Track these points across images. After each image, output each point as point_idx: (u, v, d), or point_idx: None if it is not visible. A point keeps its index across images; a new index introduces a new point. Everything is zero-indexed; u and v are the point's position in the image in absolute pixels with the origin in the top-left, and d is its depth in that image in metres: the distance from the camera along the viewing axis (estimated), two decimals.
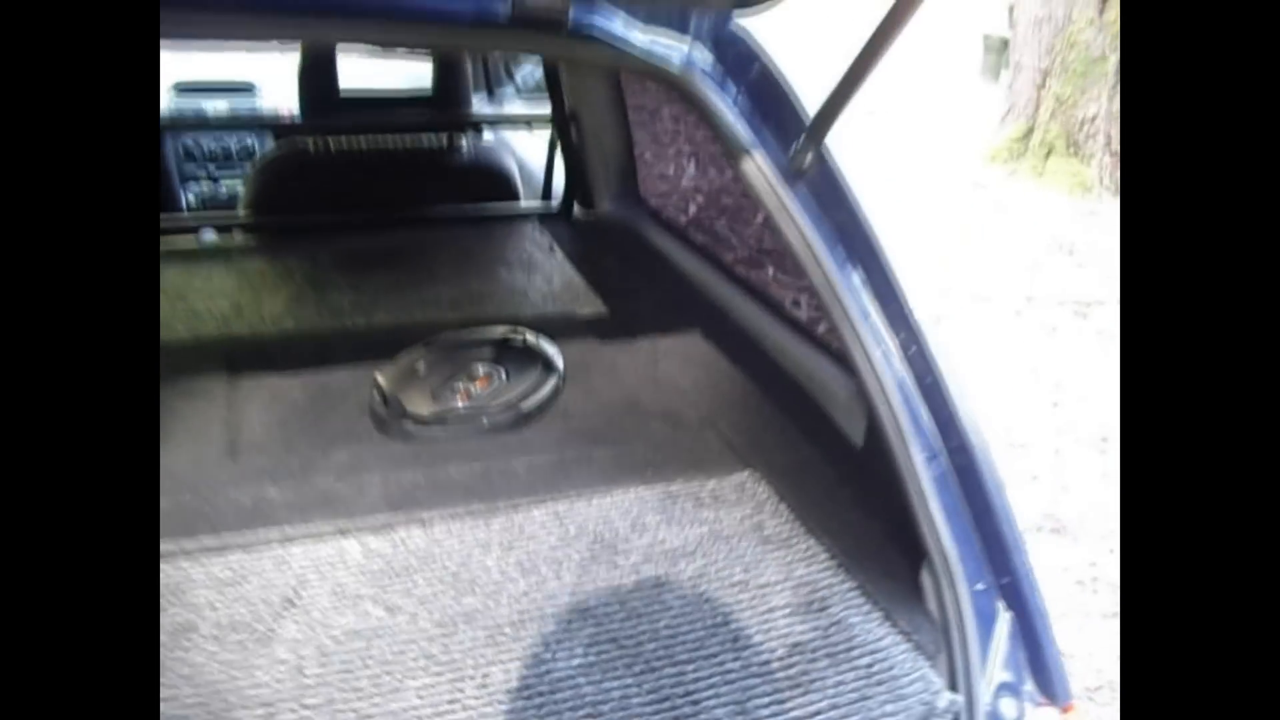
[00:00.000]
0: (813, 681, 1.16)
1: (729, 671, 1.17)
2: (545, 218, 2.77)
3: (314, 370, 1.86)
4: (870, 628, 1.25)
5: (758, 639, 1.23)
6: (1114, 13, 7.05)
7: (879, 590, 1.31)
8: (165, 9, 1.13)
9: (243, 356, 1.90)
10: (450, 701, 1.11)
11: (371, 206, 2.60)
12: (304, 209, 2.56)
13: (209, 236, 2.61)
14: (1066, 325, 4.96)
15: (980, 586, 1.21)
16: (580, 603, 1.28)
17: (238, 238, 2.56)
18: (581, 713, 1.10)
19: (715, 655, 1.19)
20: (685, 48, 1.37)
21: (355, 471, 1.56)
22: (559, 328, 2.05)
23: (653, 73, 1.35)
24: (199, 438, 1.64)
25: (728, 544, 1.41)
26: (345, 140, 2.64)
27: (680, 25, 1.38)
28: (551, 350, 1.93)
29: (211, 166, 3.86)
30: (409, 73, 3.23)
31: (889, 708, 1.13)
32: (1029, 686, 1.18)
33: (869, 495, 1.44)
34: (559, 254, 2.54)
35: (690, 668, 1.17)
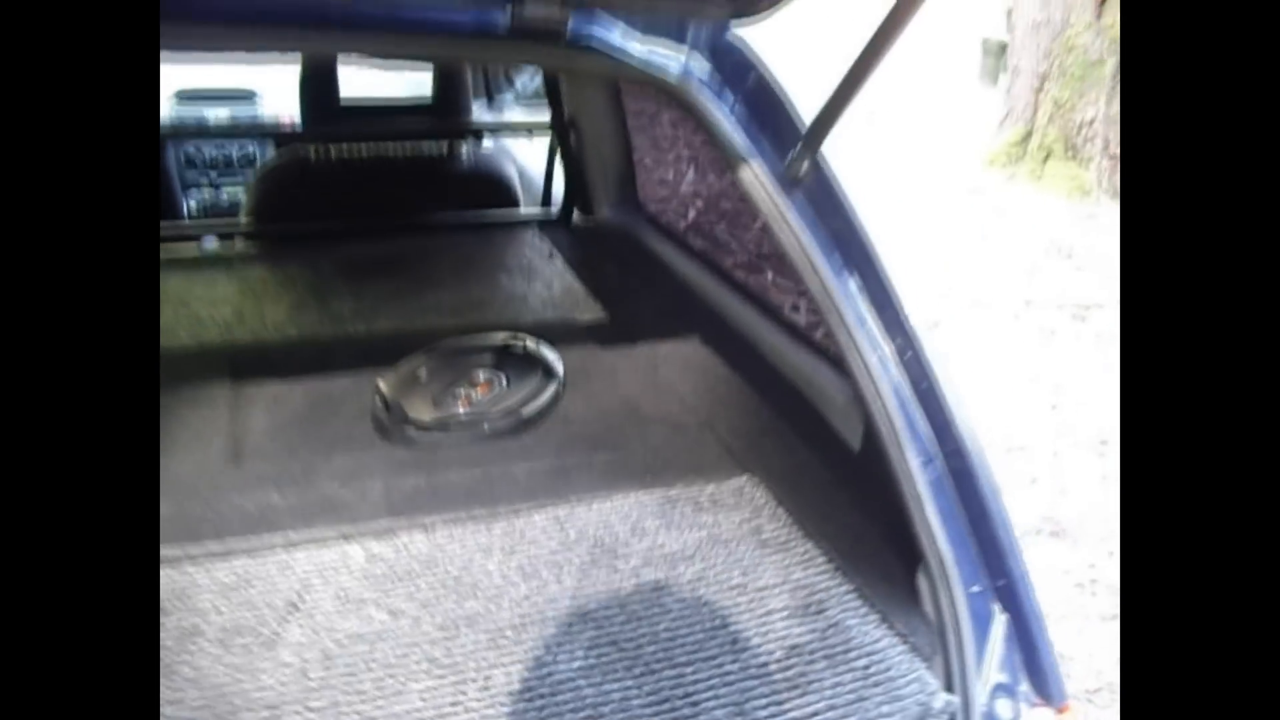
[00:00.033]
0: (810, 683, 1.17)
1: (728, 673, 1.18)
2: (545, 224, 2.79)
3: (316, 377, 1.87)
4: (867, 630, 1.26)
5: (756, 641, 1.24)
6: (1111, 17, 7.07)
7: (876, 593, 1.33)
8: (165, 22, 1.15)
9: (246, 363, 1.91)
10: (453, 704, 1.12)
11: (373, 214, 2.62)
12: (306, 216, 2.57)
13: (210, 244, 2.63)
14: (1065, 328, 4.97)
15: (976, 589, 1.22)
16: (581, 606, 1.29)
17: (240, 245, 2.57)
18: (582, 714, 1.11)
19: (714, 657, 1.20)
20: (683, 57, 1.39)
21: (358, 477, 1.57)
22: (559, 334, 2.06)
23: (651, 82, 1.36)
24: (203, 444, 1.65)
25: (726, 548, 1.42)
26: (346, 148, 2.65)
27: (678, 35, 1.40)
28: (552, 356, 1.94)
29: (213, 174, 3.88)
30: (409, 81, 3.25)
31: (885, 709, 1.14)
32: (1025, 687, 1.19)
33: (866, 499, 1.45)
34: (559, 260, 2.55)
35: (689, 670, 1.18)
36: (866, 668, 1.20)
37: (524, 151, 3.23)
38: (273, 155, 2.76)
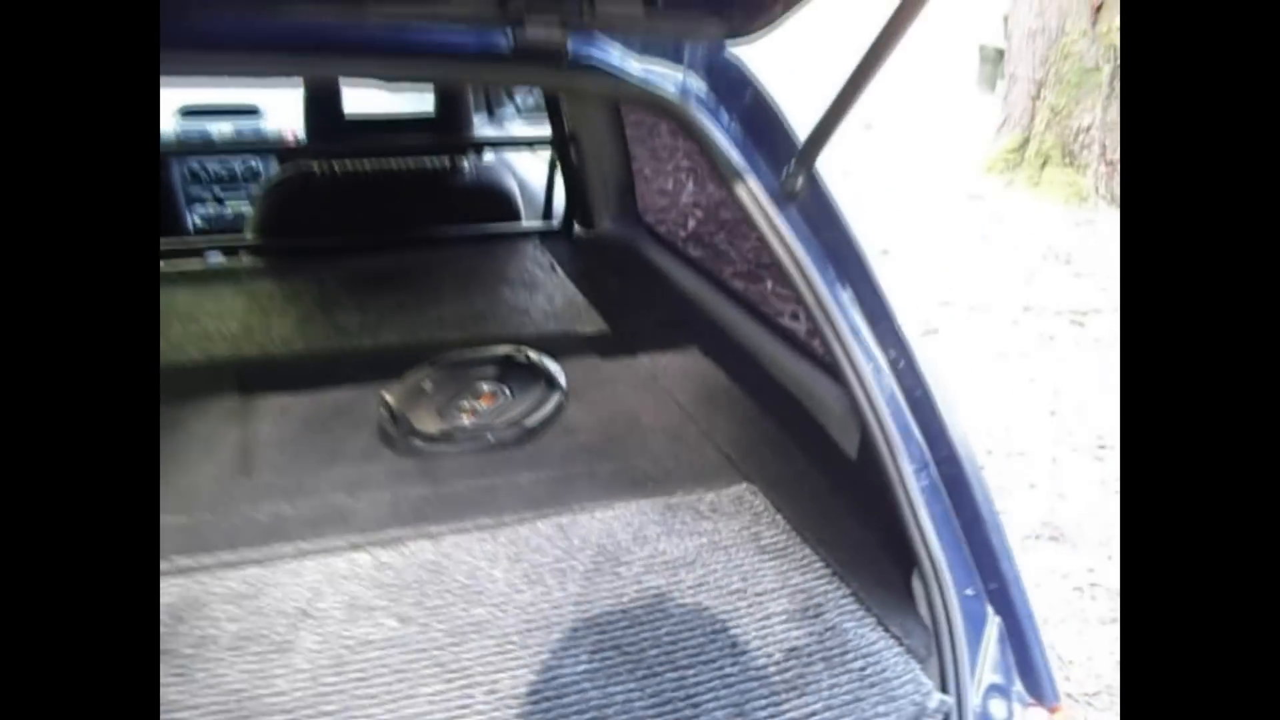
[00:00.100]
0: (808, 684, 1.19)
1: (728, 675, 1.20)
2: (546, 237, 2.81)
3: (324, 389, 1.89)
4: (864, 633, 1.28)
5: (755, 644, 1.26)
6: (1106, 24, 7.09)
7: (872, 597, 1.34)
8: (172, 49, 1.18)
9: (254, 377, 1.94)
10: (461, 707, 1.14)
11: (376, 228, 2.65)
12: (310, 231, 2.60)
13: (216, 258, 2.66)
14: (1063, 334, 4.99)
15: (970, 592, 1.25)
16: (585, 612, 1.31)
17: (246, 260, 2.60)
18: (587, 717, 1.13)
19: (715, 660, 1.22)
20: (680, 76, 1.42)
21: (365, 487, 1.59)
22: (561, 345, 2.08)
23: (649, 101, 1.39)
24: (214, 456, 1.67)
25: (726, 554, 1.44)
26: (350, 162, 2.69)
27: (675, 55, 1.43)
28: (554, 368, 1.96)
29: (217, 188, 3.91)
30: (411, 95, 3.28)
31: (881, 709, 1.16)
32: (1018, 688, 1.21)
33: (862, 505, 1.48)
34: (560, 273, 2.58)
35: (691, 672, 1.20)
36: (863, 669, 1.22)
37: (525, 165, 3.26)
38: (277, 170, 2.79)
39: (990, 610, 1.25)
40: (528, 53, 1.27)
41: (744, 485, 1.64)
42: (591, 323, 2.31)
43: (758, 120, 1.43)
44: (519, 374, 1.96)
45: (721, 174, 1.39)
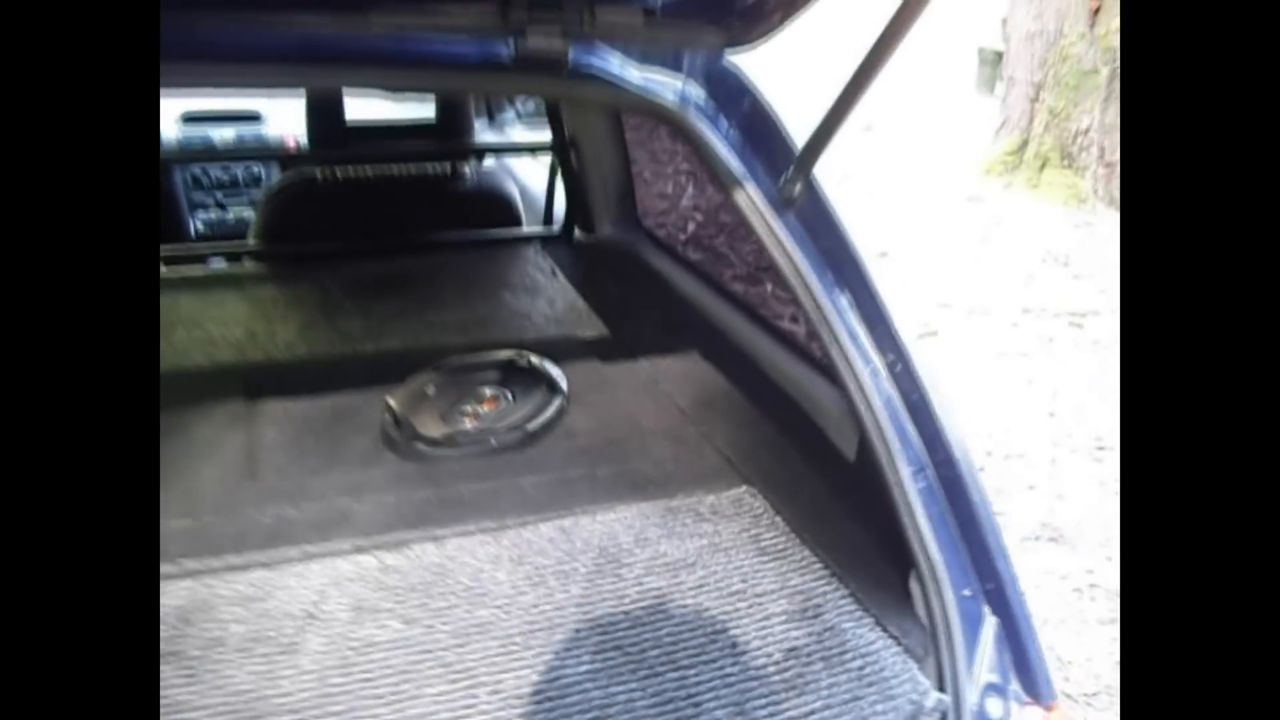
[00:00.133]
0: (807, 684, 1.21)
1: (728, 675, 1.21)
2: (547, 242, 2.83)
3: (328, 394, 1.91)
4: (862, 633, 1.30)
5: (755, 644, 1.27)
6: (1104, 26, 7.11)
7: (870, 598, 1.36)
8: (173, 60, 1.20)
9: (259, 382, 1.95)
10: (466, 707, 1.16)
11: (379, 234, 2.66)
12: (313, 236, 2.62)
13: (219, 264, 2.68)
14: (1062, 336, 5.00)
15: (967, 593, 1.26)
16: (587, 613, 1.32)
17: (249, 266, 2.62)
18: (589, 716, 1.14)
19: (715, 660, 1.24)
20: (679, 84, 1.43)
21: (370, 491, 1.60)
22: (562, 350, 2.09)
23: (649, 109, 1.41)
24: (219, 460, 1.69)
25: (726, 555, 1.46)
26: (352, 169, 2.71)
27: (674, 63, 1.45)
28: (555, 372, 1.98)
29: (219, 194, 3.92)
30: (412, 102, 3.29)
31: (879, 708, 1.18)
32: (1014, 687, 1.22)
33: (861, 508, 1.49)
34: (561, 277, 2.59)
35: (692, 672, 1.22)
36: (861, 669, 1.23)
37: (525, 170, 3.28)
38: (280, 176, 2.81)
39: (987, 610, 1.26)
40: (529, 62, 1.29)
41: (744, 488, 1.65)
42: (592, 327, 2.32)
43: (756, 127, 1.44)
44: (521, 378, 1.97)
45: (721, 181, 1.40)
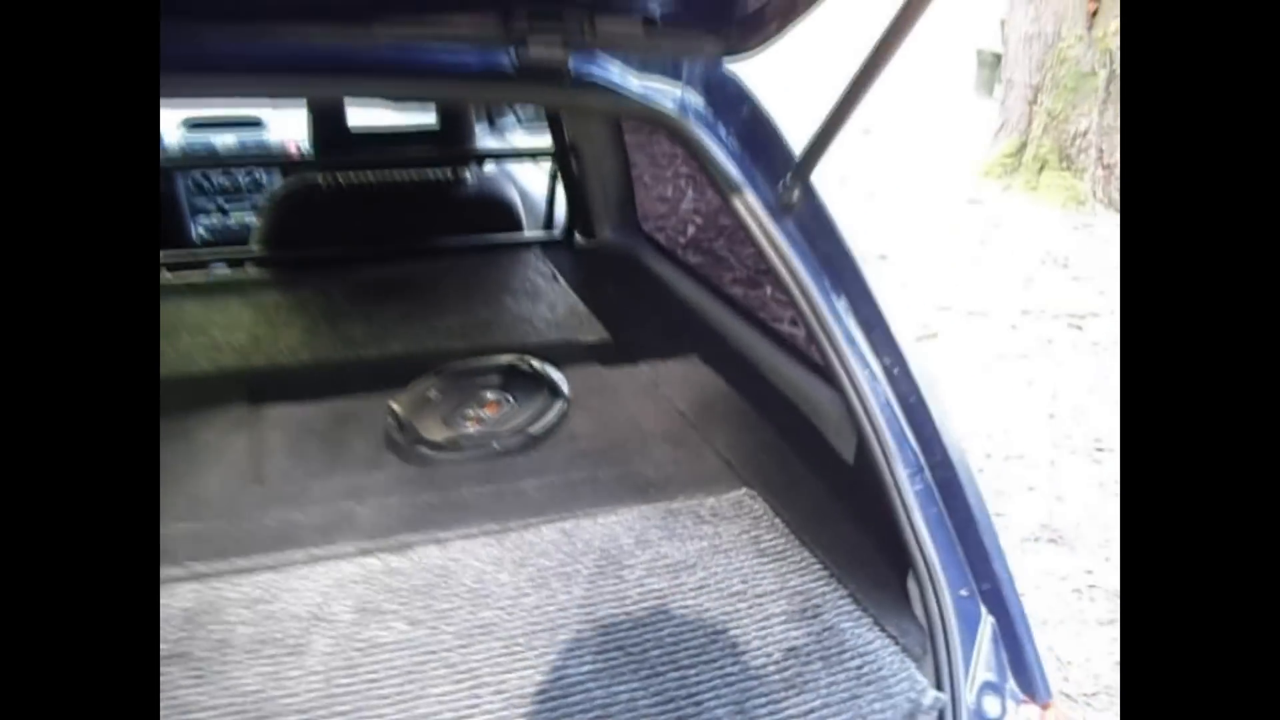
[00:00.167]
0: (807, 683, 1.22)
1: (729, 674, 1.22)
2: (548, 247, 2.85)
3: (332, 399, 1.92)
4: (860, 632, 1.31)
5: (755, 644, 1.28)
6: (1101, 29, 7.13)
7: (869, 598, 1.37)
8: (177, 72, 1.22)
9: (263, 386, 1.96)
10: (470, 707, 1.17)
11: (381, 238, 2.68)
12: (316, 242, 2.63)
13: (223, 270, 2.69)
14: (1061, 337, 5.01)
15: (964, 593, 1.27)
16: (589, 614, 1.33)
17: (252, 271, 2.64)
18: (592, 715, 1.16)
19: (716, 660, 1.25)
20: (678, 92, 1.45)
21: (374, 494, 1.62)
22: (564, 354, 2.10)
23: (648, 117, 1.42)
24: (225, 465, 1.70)
25: (726, 557, 1.47)
26: (354, 175, 2.73)
27: (673, 70, 1.46)
28: (557, 376, 1.99)
29: (221, 199, 3.94)
30: (414, 108, 3.31)
31: (877, 706, 1.19)
32: (1011, 685, 1.24)
33: (859, 509, 1.50)
34: (562, 282, 2.60)
35: (693, 672, 1.23)
36: (860, 668, 1.25)
37: (526, 174, 3.30)
38: (283, 182, 2.83)
39: (984, 610, 1.27)
40: (530, 72, 1.31)
41: (743, 490, 1.66)
42: (593, 331, 2.34)
43: (754, 134, 1.46)
44: (523, 382, 1.99)
45: (719, 188, 1.42)
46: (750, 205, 1.39)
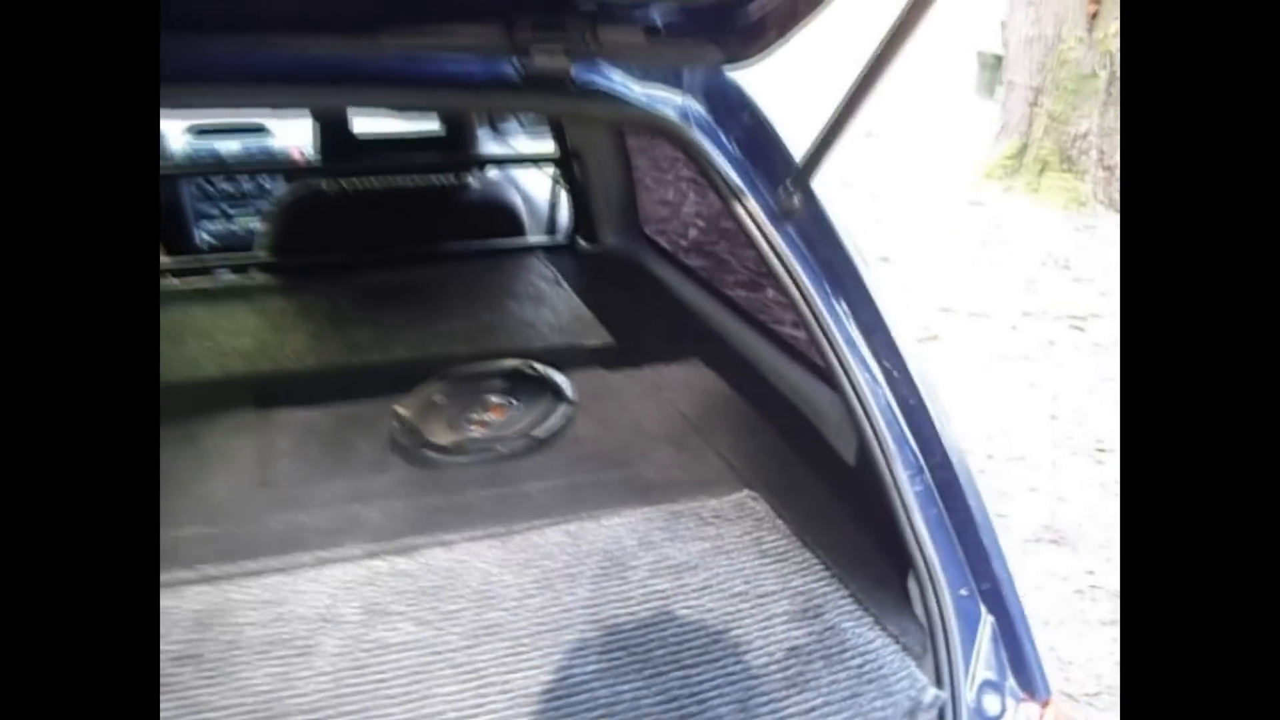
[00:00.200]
0: (808, 681, 1.23)
1: (732, 673, 1.24)
2: (551, 251, 2.86)
3: (338, 403, 1.93)
4: (861, 632, 1.32)
5: (758, 644, 1.29)
6: (1102, 30, 7.15)
7: (870, 598, 1.38)
8: (182, 83, 1.24)
9: (270, 391, 1.98)
10: (476, 706, 1.18)
11: (385, 244, 2.70)
12: (321, 248, 2.65)
13: (229, 276, 2.71)
14: (1063, 339, 5.03)
15: (963, 592, 1.28)
16: (594, 614, 1.34)
17: (259, 277, 2.65)
18: (596, 713, 1.17)
19: (719, 659, 1.26)
20: (680, 99, 1.47)
21: (381, 498, 1.63)
22: (568, 358, 2.12)
23: (651, 124, 1.44)
24: (233, 469, 1.71)
25: (729, 558, 1.48)
26: (358, 181, 2.75)
27: (675, 78, 1.49)
28: (561, 380, 2.00)
29: (225, 205, 3.96)
30: (417, 114, 3.33)
31: (878, 704, 1.20)
32: (1010, 683, 1.25)
33: (860, 510, 1.51)
34: (565, 286, 2.62)
35: (696, 671, 1.24)
36: (861, 666, 1.26)
37: (530, 179, 3.32)
38: (289, 188, 2.84)
39: (984, 609, 1.28)
40: (534, 81, 1.33)
41: (746, 492, 1.67)
42: (596, 335, 2.35)
43: (756, 141, 1.48)
44: (527, 386, 2.00)
45: (721, 194, 1.43)
46: (752, 211, 1.41)
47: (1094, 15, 7.20)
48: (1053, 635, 2.89)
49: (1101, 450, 3.89)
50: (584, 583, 1.42)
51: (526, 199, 3.05)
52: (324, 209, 2.70)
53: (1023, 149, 7.73)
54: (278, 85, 1.32)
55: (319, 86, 1.35)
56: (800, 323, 1.42)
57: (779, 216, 1.42)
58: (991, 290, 5.68)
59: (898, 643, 1.31)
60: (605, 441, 1.86)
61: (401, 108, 2.33)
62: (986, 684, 1.24)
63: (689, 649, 1.29)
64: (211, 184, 3.89)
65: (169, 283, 2.59)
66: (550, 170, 2.97)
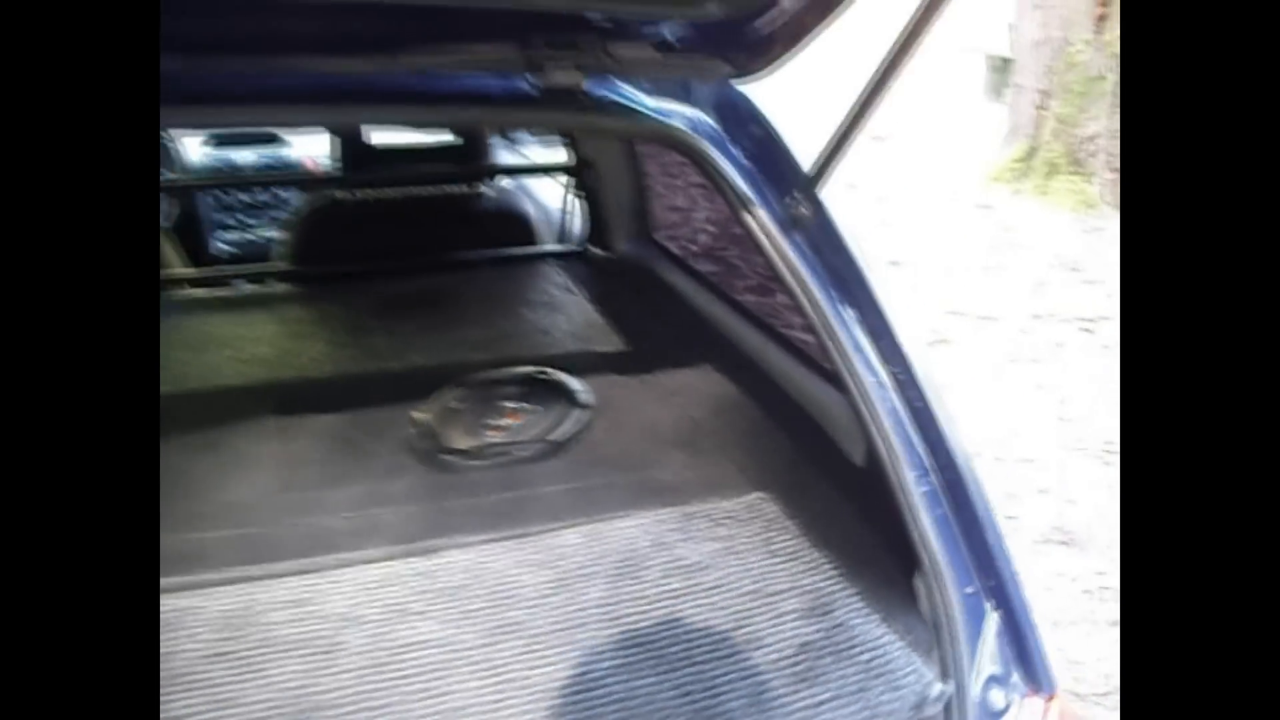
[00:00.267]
0: (818, 676, 1.26)
1: (744, 669, 1.27)
2: (564, 259, 2.90)
3: (358, 409, 1.97)
4: (869, 628, 1.35)
5: (769, 640, 1.32)
6: (1110, 34, 7.15)
7: (877, 595, 1.41)
8: (205, 103, 1.28)
9: (291, 399, 2.01)
10: (496, 702, 1.22)
11: (402, 252, 2.74)
12: (340, 257, 2.69)
13: (248, 286, 2.76)
14: (1072, 341, 5.03)
15: (969, 589, 1.31)
16: (609, 612, 1.37)
17: (279, 286, 2.70)
18: (613, 708, 1.20)
19: (731, 655, 1.29)
20: (690, 112, 1.51)
21: (401, 501, 1.66)
22: (582, 364, 2.15)
23: (661, 137, 1.48)
24: (257, 473, 1.74)
25: (741, 558, 1.51)
26: (376, 191, 2.79)
27: (685, 91, 1.52)
28: (576, 385, 2.03)
29: (242, 215, 4.02)
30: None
31: (886, 698, 1.23)
32: (1016, 678, 1.28)
33: (868, 511, 1.54)
34: (579, 294, 2.65)
35: (709, 666, 1.27)
36: (869, 662, 1.29)
37: (542, 187, 3.36)
38: (308, 199, 2.89)
39: (989, 606, 1.31)
40: (548, 96, 1.36)
41: (756, 494, 1.70)
42: (609, 341, 2.38)
43: (764, 151, 1.51)
44: (543, 392, 2.03)
45: (731, 204, 1.46)
46: (761, 220, 1.44)
47: (1102, 18, 7.21)
48: (1062, 636, 2.91)
49: (1110, 452, 3.89)
50: (600, 582, 1.45)
51: (540, 207, 3.09)
52: (342, 219, 2.74)
53: (1031, 152, 7.74)
54: (301, 104, 1.36)
55: (340, 105, 1.39)
56: (809, 328, 1.45)
57: (788, 225, 1.45)
58: (1001, 293, 5.68)
59: (905, 639, 1.33)
60: (619, 445, 1.89)
61: (419, 124, 2.37)
62: (992, 679, 1.27)
63: (702, 645, 1.32)
64: (227, 193, 3.95)
65: (191, 292, 2.64)
66: (563, 179, 3.00)
